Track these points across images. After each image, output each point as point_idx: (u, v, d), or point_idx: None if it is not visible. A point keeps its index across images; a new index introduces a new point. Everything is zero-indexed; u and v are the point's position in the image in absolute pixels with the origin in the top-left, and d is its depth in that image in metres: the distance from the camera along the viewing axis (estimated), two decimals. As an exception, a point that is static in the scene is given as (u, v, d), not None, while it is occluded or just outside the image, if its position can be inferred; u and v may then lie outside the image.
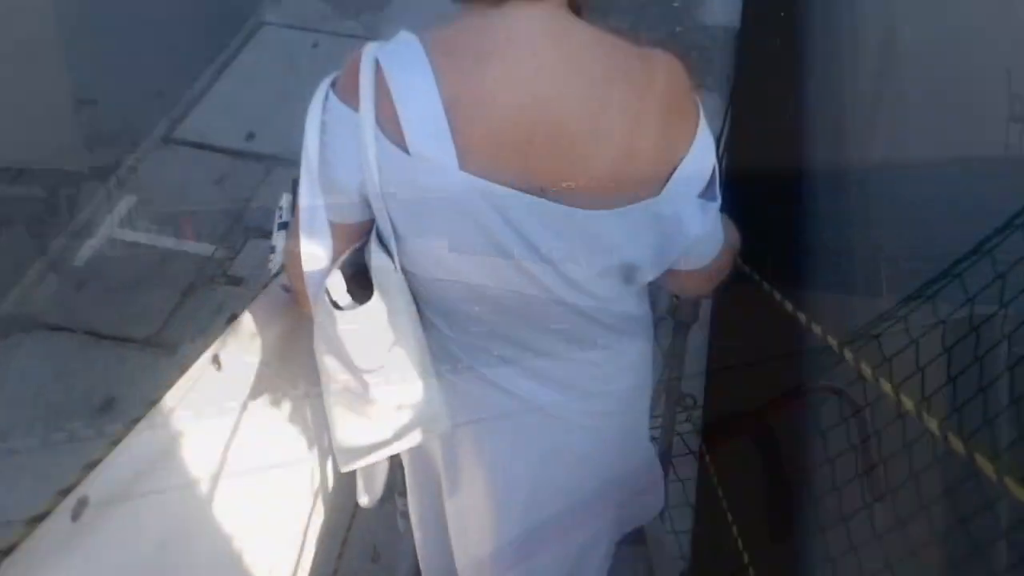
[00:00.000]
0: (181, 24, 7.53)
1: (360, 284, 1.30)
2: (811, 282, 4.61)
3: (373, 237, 1.28)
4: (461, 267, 1.25)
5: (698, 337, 3.74)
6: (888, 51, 4.34)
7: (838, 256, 3.80)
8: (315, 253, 1.25)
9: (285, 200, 1.88)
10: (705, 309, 3.73)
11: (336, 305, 1.25)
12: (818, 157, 6.07)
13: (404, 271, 1.27)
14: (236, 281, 4.45)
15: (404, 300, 1.28)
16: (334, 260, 1.28)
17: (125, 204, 4.90)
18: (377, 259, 1.24)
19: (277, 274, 1.49)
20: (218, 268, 4.54)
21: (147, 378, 3.69)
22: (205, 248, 4.64)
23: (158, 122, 5.93)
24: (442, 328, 1.40)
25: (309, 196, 1.20)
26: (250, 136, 6.16)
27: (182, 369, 1.10)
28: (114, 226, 4.70)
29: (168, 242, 4.68)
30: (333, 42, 7.36)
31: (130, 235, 4.65)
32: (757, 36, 8.00)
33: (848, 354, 1.43)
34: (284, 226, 1.81)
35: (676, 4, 8.24)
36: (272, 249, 1.81)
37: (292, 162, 4.40)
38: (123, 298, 4.19)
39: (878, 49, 4.55)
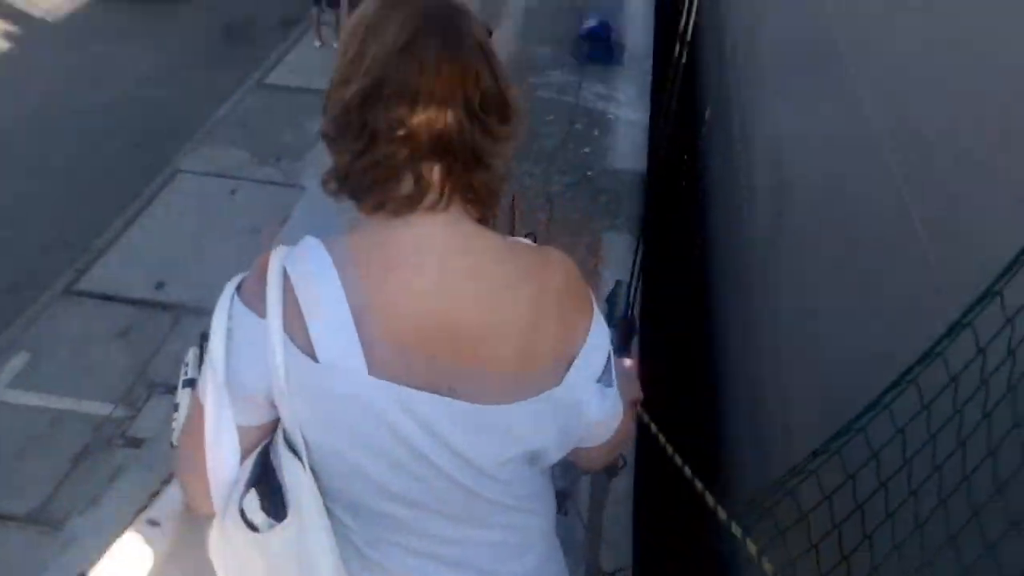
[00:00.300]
0: (92, 173, 7.49)
1: (264, 485, 1.26)
2: (726, 422, 4.66)
3: (280, 438, 1.26)
4: (369, 465, 1.22)
5: (623, 484, 3.69)
6: (781, 193, 4.64)
7: (750, 395, 3.87)
8: (221, 458, 1.22)
9: (191, 355, 1.82)
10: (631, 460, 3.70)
11: (252, 527, 1.21)
12: (724, 291, 6.33)
13: (311, 468, 1.25)
14: (136, 443, 4.17)
15: (316, 504, 1.25)
16: (241, 462, 1.26)
17: (17, 362, 4.61)
18: (287, 460, 1.22)
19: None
20: (116, 429, 4.26)
21: (27, 560, 3.33)
22: (103, 407, 4.37)
23: (61, 273, 5.73)
24: (345, 521, 1.36)
25: (215, 404, 1.19)
26: (160, 285, 6.00)
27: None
28: (2, 387, 4.40)
29: (62, 402, 4.39)
30: (251, 188, 7.42)
31: (19, 397, 4.34)
32: (663, 178, 8.52)
33: (752, 547, 1.40)
34: (189, 383, 1.76)
35: (587, 151, 8.75)
36: (176, 407, 1.75)
37: (203, 311, 4.28)
38: (5, 469, 3.85)
39: (771, 191, 4.87)
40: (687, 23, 4.21)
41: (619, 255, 6.73)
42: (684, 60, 4.33)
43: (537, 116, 9.17)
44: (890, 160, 2.79)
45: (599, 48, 10.18)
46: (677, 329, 6.58)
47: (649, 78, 9.82)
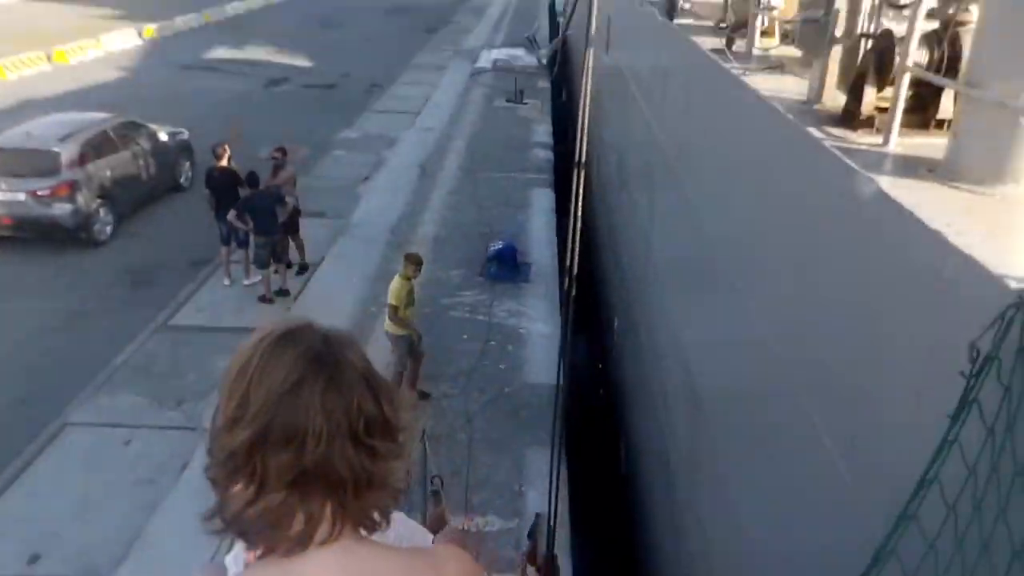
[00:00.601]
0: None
1: None
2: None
3: None
4: None
5: None
6: (694, 403, 4.63)
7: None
8: None
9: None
10: None
11: None
12: (651, 503, 6.12)
13: None
14: None
15: None
16: None
17: None
18: None
19: None
20: None
21: None
22: None
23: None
24: None
25: None
26: (34, 559, 5.27)
27: None
28: None
29: None
30: (149, 436, 6.88)
31: None
32: (578, 390, 8.53)
33: None
34: None
35: (503, 367, 8.77)
36: None
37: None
38: None
39: (684, 401, 4.86)
40: (572, 258, 4.40)
41: (543, 473, 6.47)
42: (573, 292, 4.48)
43: (452, 336, 9.24)
44: (790, 372, 2.79)
45: (507, 268, 10.62)
46: (609, 550, 6.22)
47: (556, 293, 10.19)
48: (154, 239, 11.07)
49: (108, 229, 10.85)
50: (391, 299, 7.23)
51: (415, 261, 7.35)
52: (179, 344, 8.33)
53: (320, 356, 1.10)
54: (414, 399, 7.31)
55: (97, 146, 10.77)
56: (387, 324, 7.44)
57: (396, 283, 7.23)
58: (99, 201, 10.60)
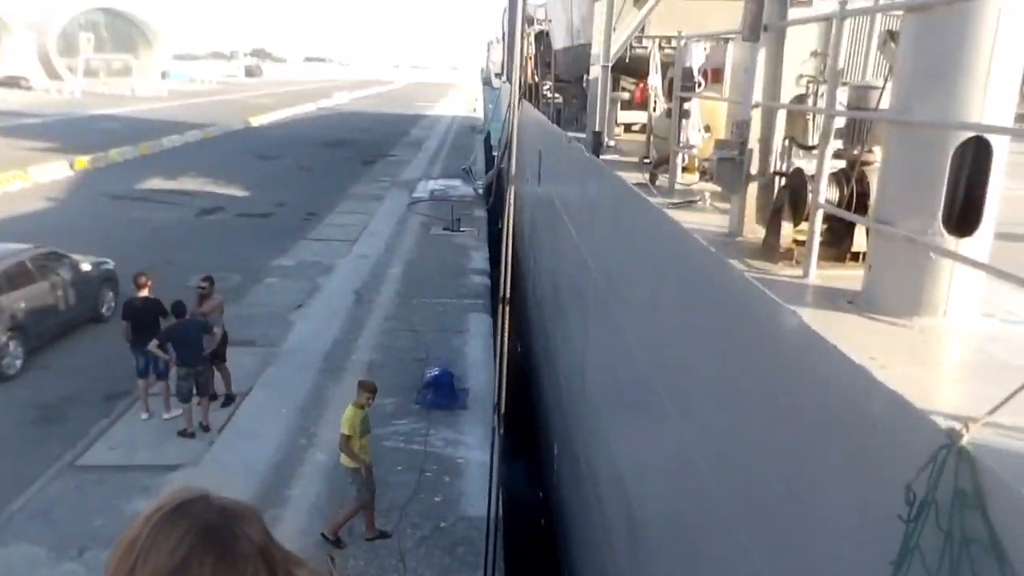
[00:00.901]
0: None
1: None
2: None
3: None
4: None
5: None
6: (632, 530, 4.47)
7: None
8: None
9: None
10: None
11: None
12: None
13: None
14: None
15: None
16: None
17: None
18: None
19: None
20: None
21: None
22: None
23: None
24: None
25: None
26: None
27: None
28: None
29: None
30: (43, 594, 6.25)
31: None
32: (519, 520, 8.21)
33: None
34: None
35: (438, 499, 8.39)
36: None
37: None
38: None
39: (624, 528, 4.70)
40: (498, 393, 4.33)
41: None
42: (501, 430, 4.37)
43: (386, 468, 8.82)
44: (726, 505, 2.71)
45: (443, 395, 10.38)
46: None
47: (494, 420, 9.96)
48: (68, 372, 10.49)
49: (18, 363, 10.27)
50: (344, 428, 6.90)
51: (369, 388, 7.08)
52: (86, 485, 7.72)
53: (212, 529, 1.02)
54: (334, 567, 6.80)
55: (11, 277, 10.39)
56: (342, 457, 7.12)
57: (349, 412, 6.93)
58: (9, 333, 10.08)
